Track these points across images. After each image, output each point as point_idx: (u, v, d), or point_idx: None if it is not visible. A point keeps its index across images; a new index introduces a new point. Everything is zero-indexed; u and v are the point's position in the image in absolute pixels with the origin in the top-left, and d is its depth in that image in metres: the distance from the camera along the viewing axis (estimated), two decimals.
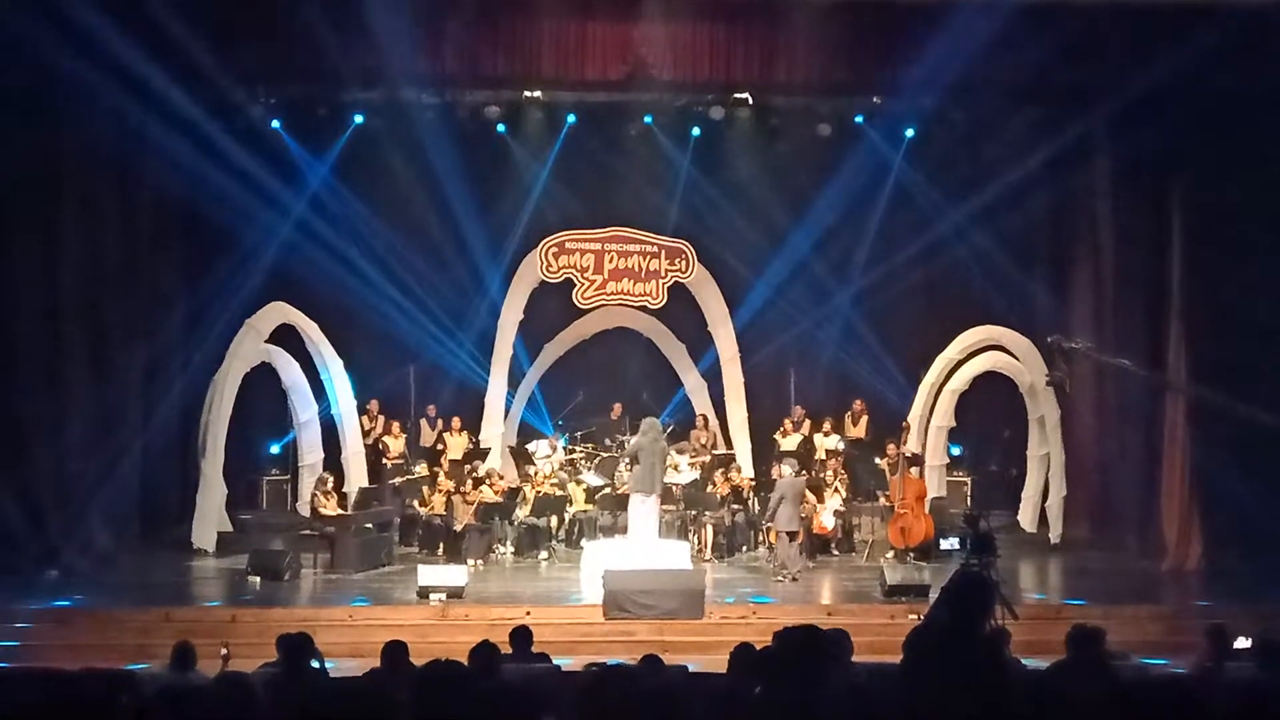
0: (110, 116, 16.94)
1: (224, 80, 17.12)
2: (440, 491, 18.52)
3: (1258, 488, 16.25)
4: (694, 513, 18.58)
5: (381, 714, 5.36)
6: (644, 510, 17.22)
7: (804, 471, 18.05)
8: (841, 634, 8.60)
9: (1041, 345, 14.66)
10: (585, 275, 21.30)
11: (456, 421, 20.39)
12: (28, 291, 16.86)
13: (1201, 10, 15.93)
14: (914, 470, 18.67)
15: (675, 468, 18.85)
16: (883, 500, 18.84)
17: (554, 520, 18.88)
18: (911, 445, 19.29)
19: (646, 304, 21.49)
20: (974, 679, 5.43)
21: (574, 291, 21.32)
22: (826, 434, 20.21)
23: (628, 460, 18.08)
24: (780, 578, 16.69)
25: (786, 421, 20.51)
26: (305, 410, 19.66)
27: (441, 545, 18.05)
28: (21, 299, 16.82)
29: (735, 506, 18.58)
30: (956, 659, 5.48)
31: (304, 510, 18.74)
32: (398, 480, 19.39)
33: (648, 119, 20.36)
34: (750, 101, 19.76)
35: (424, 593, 15.24)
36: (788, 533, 16.86)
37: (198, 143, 17.94)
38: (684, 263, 21.36)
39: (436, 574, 15.59)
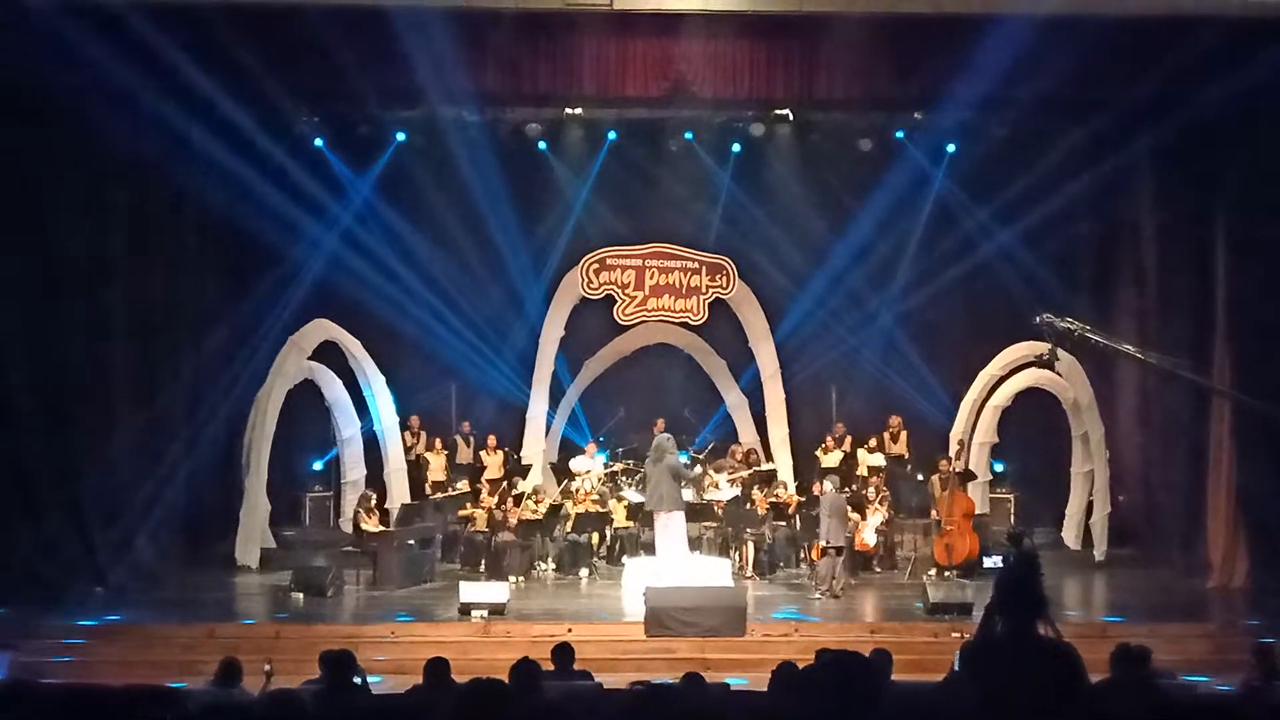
0: (157, 134, 17.11)
1: (268, 99, 17.29)
2: (482, 508, 18.55)
3: None
4: (735, 530, 18.53)
5: None
6: (666, 528, 17.20)
7: (846, 488, 17.99)
8: (883, 654, 8.58)
9: (1037, 327, 14.44)
10: (626, 291, 21.33)
11: (492, 440, 20.41)
12: (75, 308, 17.01)
13: (1249, 27, 15.81)
14: (967, 488, 18.61)
15: (716, 485, 18.84)
16: (932, 514, 18.70)
17: (595, 537, 18.87)
18: (972, 466, 19.27)
19: (687, 320, 21.48)
20: (1048, 683, 5.31)
21: (615, 308, 21.34)
22: (871, 450, 20.16)
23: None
24: (819, 594, 16.64)
25: (828, 438, 20.48)
26: (348, 427, 19.77)
27: (483, 562, 18.08)
28: (69, 316, 16.97)
29: (777, 523, 18.53)
30: (1025, 665, 5.36)
31: (346, 527, 18.82)
32: (439, 497, 19.44)
33: (688, 135, 20.39)
34: (791, 117, 19.75)
35: (466, 609, 15.26)
36: (833, 548, 16.81)
37: (242, 160, 18.09)
38: (725, 279, 21.35)
39: (478, 591, 15.62)
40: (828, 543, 16.80)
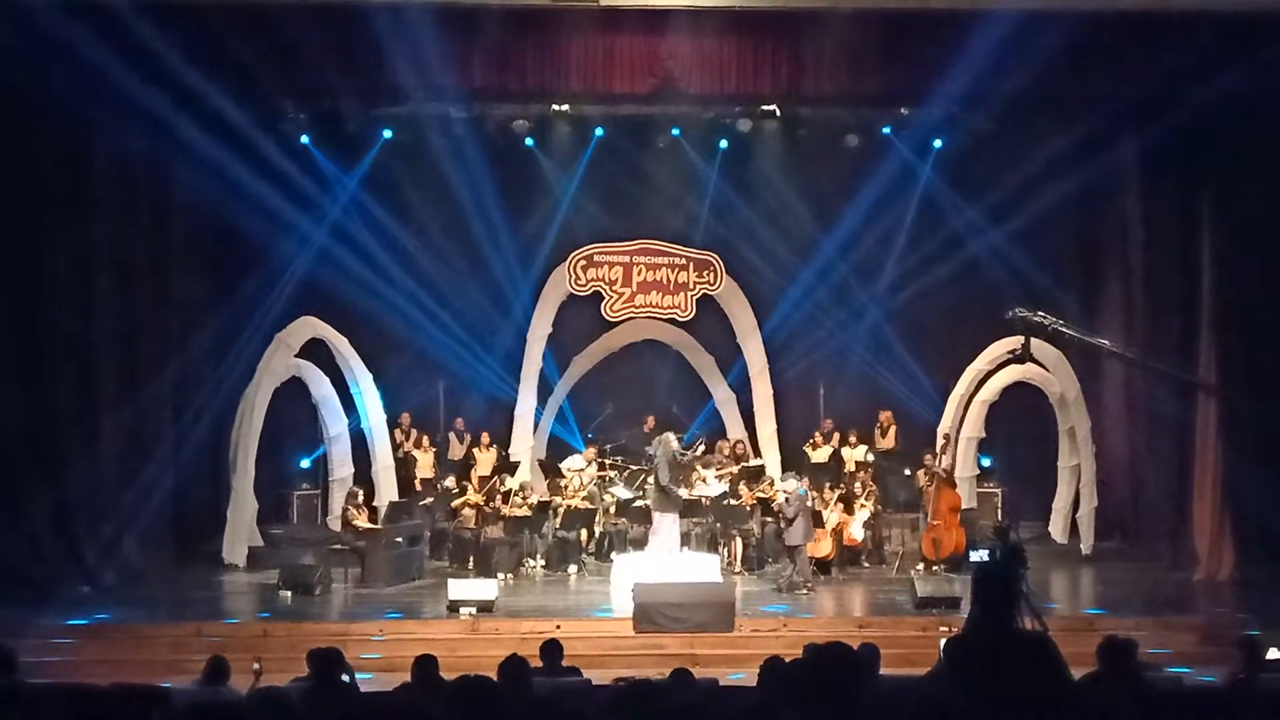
0: (142, 132, 17.07)
1: (254, 96, 17.31)
2: (470, 505, 18.54)
3: None
4: (723, 525, 18.53)
5: None
6: (657, 527, 17.36)
7: (839, 484, 17.97)
8: (871, 648, 8.59)
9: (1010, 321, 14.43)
10: (614, 288, 21.33)
11: (485, 436, 20.44)
12: (60, 307, 16.96)
13: (1238, 25, 15.84)
14: (954, 482, 18.63)
15: (703, 480, 18.82)
16: (924, 499, 18.67)
17: (584, 534, 18.87)
18: (960, 460, 19.27)
19: (675, 316, 21.48)
20: (1028, 676, 5.33)
21: (603, 304, 21.34)
22: (853, 445, 20.17)
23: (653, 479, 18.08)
24: (806, 590, 16.63)
25: (816, 434, 20.49)
26: (335, 424, 19.75)
27: (471, 559, 18.07)
28: (54, 314, 16.92)
29: (765, 519, 18.54)
30: (1005, 658, 5.37)
31: (334, 524, 18.80)
32: (429, 501, 19.39)
33: (675, 132, 20.35)
34: (777, 113, 19.70)
35: (454, 607, 15.25)
36: (803, 546, 16.86)
37: (228, 157, 18.03)
38: (712, 275, 21.36)
39: (467, 588, 15.60)
40: (797, 542, 16.80)
